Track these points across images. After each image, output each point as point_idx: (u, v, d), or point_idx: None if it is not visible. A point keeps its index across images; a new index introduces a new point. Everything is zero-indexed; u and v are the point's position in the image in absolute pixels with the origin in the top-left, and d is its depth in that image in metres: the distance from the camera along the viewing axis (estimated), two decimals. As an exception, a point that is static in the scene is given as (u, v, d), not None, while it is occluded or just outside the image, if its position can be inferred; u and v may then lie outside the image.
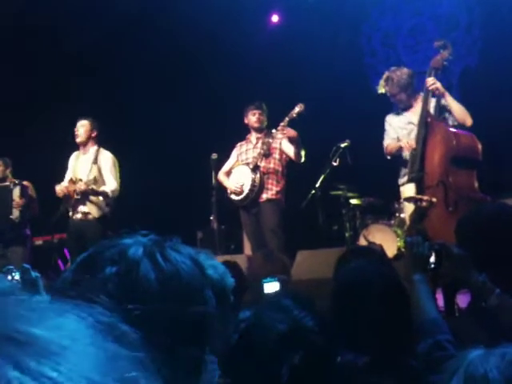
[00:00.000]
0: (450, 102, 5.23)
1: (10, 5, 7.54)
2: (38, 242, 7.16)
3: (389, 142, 5.46)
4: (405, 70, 5.38)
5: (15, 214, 6.54)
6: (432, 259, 2.22)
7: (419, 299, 2.12)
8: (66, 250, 6.87)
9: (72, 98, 7.81)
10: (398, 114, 5.49)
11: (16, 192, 6.62)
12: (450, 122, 5.24)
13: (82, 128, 6.08)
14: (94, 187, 5.85)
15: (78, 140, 6.11)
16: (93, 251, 0.90)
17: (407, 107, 5.38)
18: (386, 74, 5.41)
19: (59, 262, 6.79)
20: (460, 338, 2.01)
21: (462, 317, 3.63)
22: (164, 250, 0.88)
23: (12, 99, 7.76)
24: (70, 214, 5.99)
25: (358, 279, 2.05)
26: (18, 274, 2.26)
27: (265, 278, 3.54)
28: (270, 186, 6.01)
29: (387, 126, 5.51)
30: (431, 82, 5.19)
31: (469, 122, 5.15)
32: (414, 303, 2.09)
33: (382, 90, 5.42)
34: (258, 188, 5.97)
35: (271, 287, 3.38)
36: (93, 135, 6.11)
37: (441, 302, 4.07)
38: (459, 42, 8.13)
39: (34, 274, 2.27)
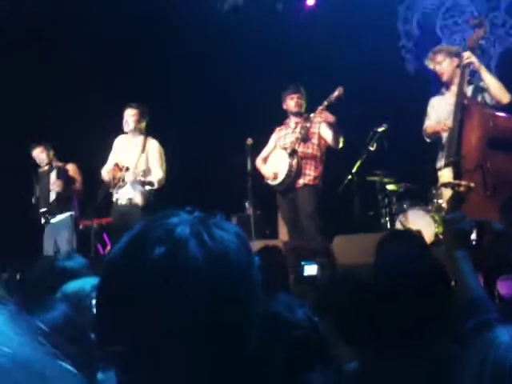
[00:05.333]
0: (485, 77, 5.09)
1: None
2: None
3: (428, 124, 5.37)
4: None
5: (51, 196, 6.72)
6: (473, 236, 2.17)
7: (464, 277, 2.05)
8: (104, 235, 6.97)
9: (109, 83, 7.86)
10: (442, 94, 5.40)
11: (53, 175, 6.78)
12: (489, 101, 5.12)
13: (132, 117, 6.08)
14: (142, 178, 5.92)
15: (128, 129, 6.11)
16: (139, 230, 0.90)
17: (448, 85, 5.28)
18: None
19: (99, 246, 6.89)
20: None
21: (501, 305, 3.59)
22: (210, 229, 0.88)
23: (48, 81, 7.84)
24: (115, 199, 6.06)
25: (399, 266, 2.04)
26: None
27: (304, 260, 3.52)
28: (307, 172, 5.94)
29: (429, 109, 5.41)
30: (466, 56, 5.09)
31: (505, 99, 5.00)
32: (459, 281, 2.04)
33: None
34: (294, 173, 5.91)
35: (311, 270, 3.34)
36: (142, 124, 6.12)
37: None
38: (499, 23, 7.95)
39: None
